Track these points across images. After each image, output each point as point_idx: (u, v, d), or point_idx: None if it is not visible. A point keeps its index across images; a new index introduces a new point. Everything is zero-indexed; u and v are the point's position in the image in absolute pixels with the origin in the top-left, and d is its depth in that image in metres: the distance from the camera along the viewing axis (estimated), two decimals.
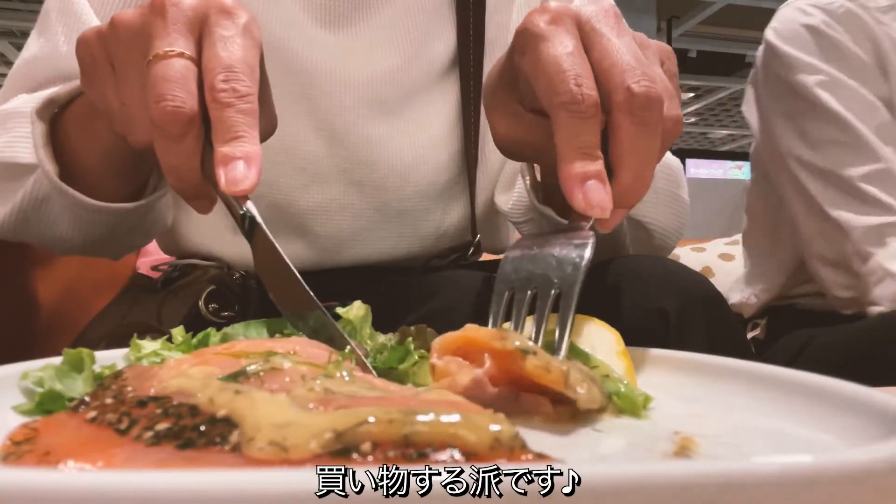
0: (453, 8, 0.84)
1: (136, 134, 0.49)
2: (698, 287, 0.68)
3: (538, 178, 0.66)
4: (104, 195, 0.61)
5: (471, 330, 0.37)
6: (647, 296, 0.57)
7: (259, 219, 0.44)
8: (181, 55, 0.45)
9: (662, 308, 0.56)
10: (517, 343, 0.35)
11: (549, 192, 0.65)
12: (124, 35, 0.48)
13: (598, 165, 0.43)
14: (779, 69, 1.17)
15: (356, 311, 0.46)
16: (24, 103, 0.67)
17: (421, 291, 0.67)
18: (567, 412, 0.35)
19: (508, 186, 0.85)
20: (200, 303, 0.71)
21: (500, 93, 0.52)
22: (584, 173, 0.42)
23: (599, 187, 0.42)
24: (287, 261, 0.43)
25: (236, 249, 0.79)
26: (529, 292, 0.42)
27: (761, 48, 1.22)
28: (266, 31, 0.76)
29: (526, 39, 0.45)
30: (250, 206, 0.44)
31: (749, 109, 1.27)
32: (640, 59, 0.44)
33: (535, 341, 0.40)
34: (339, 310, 0.46)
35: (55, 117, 0.61)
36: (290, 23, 0.78)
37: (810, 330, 1.15)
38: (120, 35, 0.48)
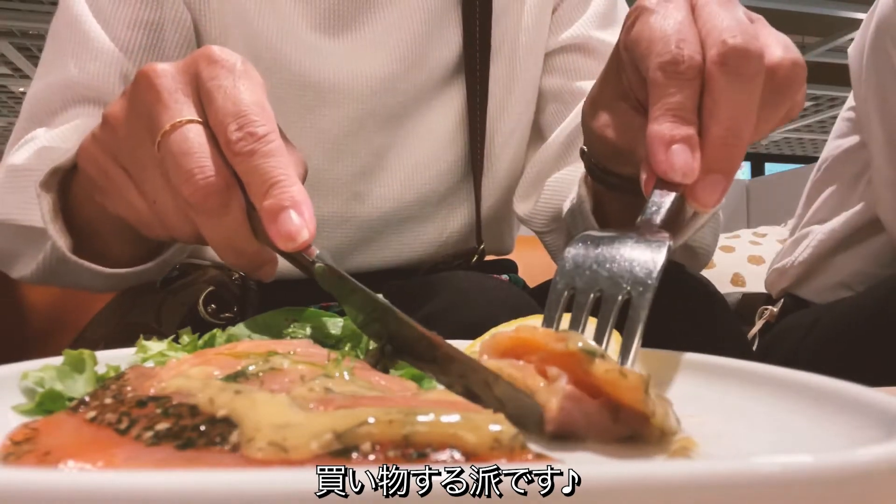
0: (458, 11, 0.82)
1: (178, 228, 0.44)
2: (698, 287, 0.68)
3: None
4: (122, 259, 0.58)
5: (524, 330, 0.32)
6: None
7: (335, 265, 0.39)
8: (190, 122, 0.41)
9: (662, 308, 0.56)
10: (580, 344, 0.29)
11: (611, 210, 0.61)
12: (123, 130, 0.44)
13: (689, 130, 0.40)
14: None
15: None
16: (36, 157, 0.64)
17: (420, 293, 0.67)
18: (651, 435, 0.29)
19: (528, 194, 0.84)
20: (199, 304, 0.71)
21: (605, 91, 0.49)
22: (671, 135, 0.39)
23: (686, 151, 0.39)
24: (387, 303, 0.37)
25: None
26: (593, 295, 0.37)
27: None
28: (264, 42, 0.75)
29: (636, 14, 0.44)
30: (320, 254, 0.39)
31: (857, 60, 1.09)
32: (743, 22, 0.41)
33: None
34: None
35: (64, 179, 0.57)
36: (289, 31, 0.76)
37: (817, 307, 1.12)
38: (118, 132, 0.44)
